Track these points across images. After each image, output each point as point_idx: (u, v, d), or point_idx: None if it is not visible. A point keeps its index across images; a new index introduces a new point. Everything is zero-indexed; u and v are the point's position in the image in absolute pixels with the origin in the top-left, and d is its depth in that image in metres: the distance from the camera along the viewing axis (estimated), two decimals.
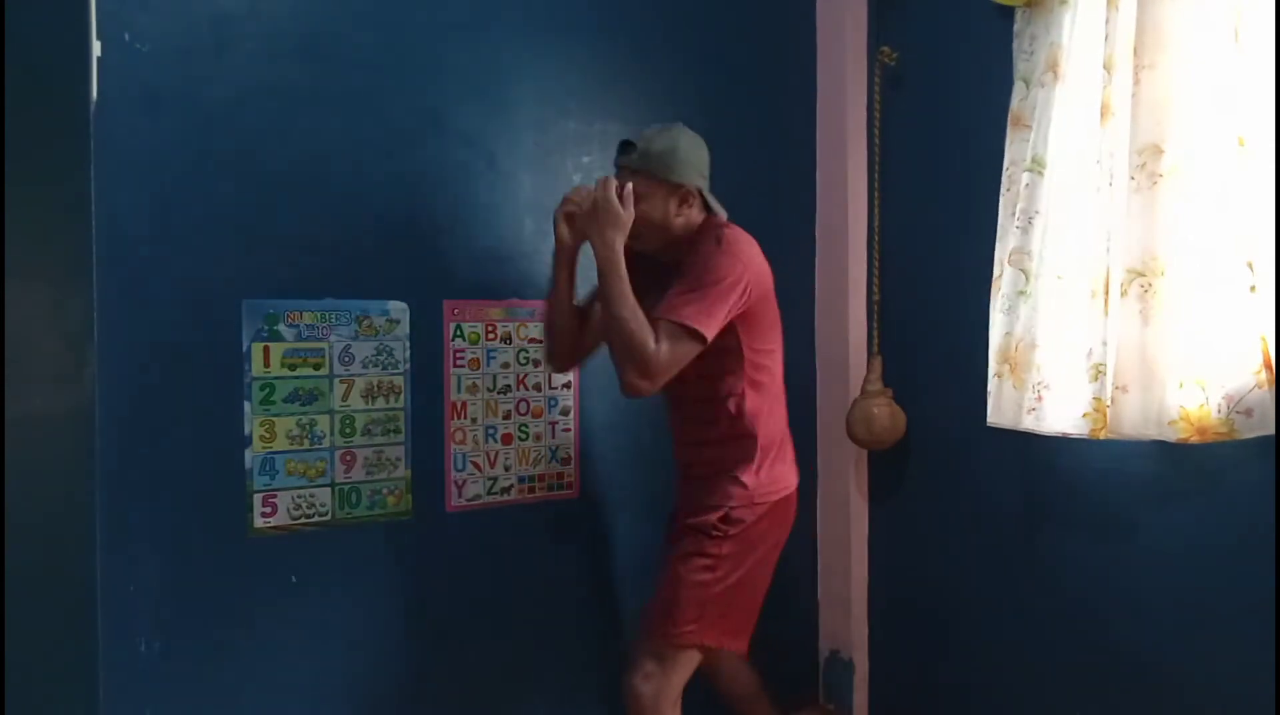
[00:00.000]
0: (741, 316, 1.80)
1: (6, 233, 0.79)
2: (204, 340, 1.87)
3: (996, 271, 2.11)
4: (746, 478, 1.87)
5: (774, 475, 1.91)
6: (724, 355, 1.83)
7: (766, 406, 1.90)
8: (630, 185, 1.77)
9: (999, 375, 2.08)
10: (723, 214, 1.89)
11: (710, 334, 1.73)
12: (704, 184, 1.87)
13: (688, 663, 1.86)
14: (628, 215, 1.75)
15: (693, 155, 1.84)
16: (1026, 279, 2.04)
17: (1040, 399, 1.98)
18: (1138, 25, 1.75)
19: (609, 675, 2.38)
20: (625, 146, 1.85)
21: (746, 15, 2.63)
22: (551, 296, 1.96)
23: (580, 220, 1.80)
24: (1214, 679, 1.83)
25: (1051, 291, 1.98)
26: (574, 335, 1.99)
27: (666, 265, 1.87)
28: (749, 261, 1.80)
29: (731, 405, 1.87)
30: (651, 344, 1.69)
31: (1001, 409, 2.08)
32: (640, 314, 1.72)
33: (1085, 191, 1.94)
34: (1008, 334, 2.07)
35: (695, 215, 1.87)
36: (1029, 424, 2.00)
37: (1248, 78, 1.67)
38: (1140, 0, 1.75)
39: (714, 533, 1.85)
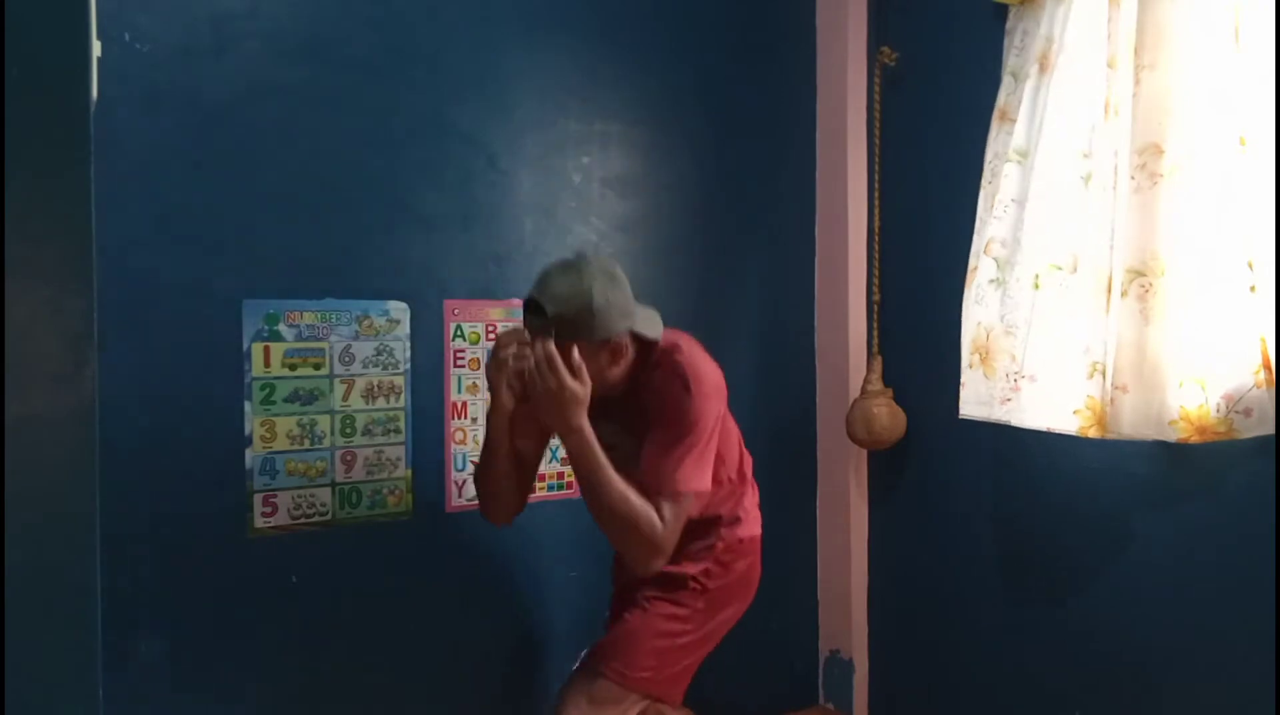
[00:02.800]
0: None
1: (6, 232, 0.79)
2: (204, 340, 1.87)
3: (972, 263, 2.11)
4: (730, 539, 1.80)
5: (747, 518, 1.85)
6: None
7: (735, 471, 1.83)
8: (576, 355, 1.56)
9: (970, 365, 2.08)
10: (655, 332, 1.69)
11: (707, 486, 1.65)
12: (630, 321, 1.65)
13: (625, 706, 1.75)
14: (584, 388, 1.56)
15: (610, 300, 1.59)
16: (998, 267, 2.03)
17: (1017, 389, 1.96)
18: (1138, 25, 1.75)
19: None
20: (533, 309, 1.60)
21: (746, 15, 2.63)
22: (487, 461, 1.75)
23: (536, 401, 1.59)
24: (1214, 678, 1.83)
25: (1038, 282, 1.96)
26: (517, 493, 1.82)
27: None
28: (717, 388, 1.66)
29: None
30: (657, 523, 1.55)
31: (970, 399, 2.08)
32: (630, 493, 1.56)
33: (1074, 185, 1.93)
34: (980, 323, 2.06)
35: (630, 354, 1.67)
36: (1001, 415, 1.98)
37: (1248, 78, 1.67)
38: (1141, 0, 1.75)
39: (691, 586, 1.77)
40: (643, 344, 1.69)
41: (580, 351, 1.58)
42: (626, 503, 1.55)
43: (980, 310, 2.07)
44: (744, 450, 1.89)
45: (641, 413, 1.68)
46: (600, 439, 1.59)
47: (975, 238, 2.12)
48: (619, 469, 1.58)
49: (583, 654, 1.89)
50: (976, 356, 2.06)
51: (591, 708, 1.72)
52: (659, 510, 1.57)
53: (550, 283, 1.59)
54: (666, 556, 1.61)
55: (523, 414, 1.69)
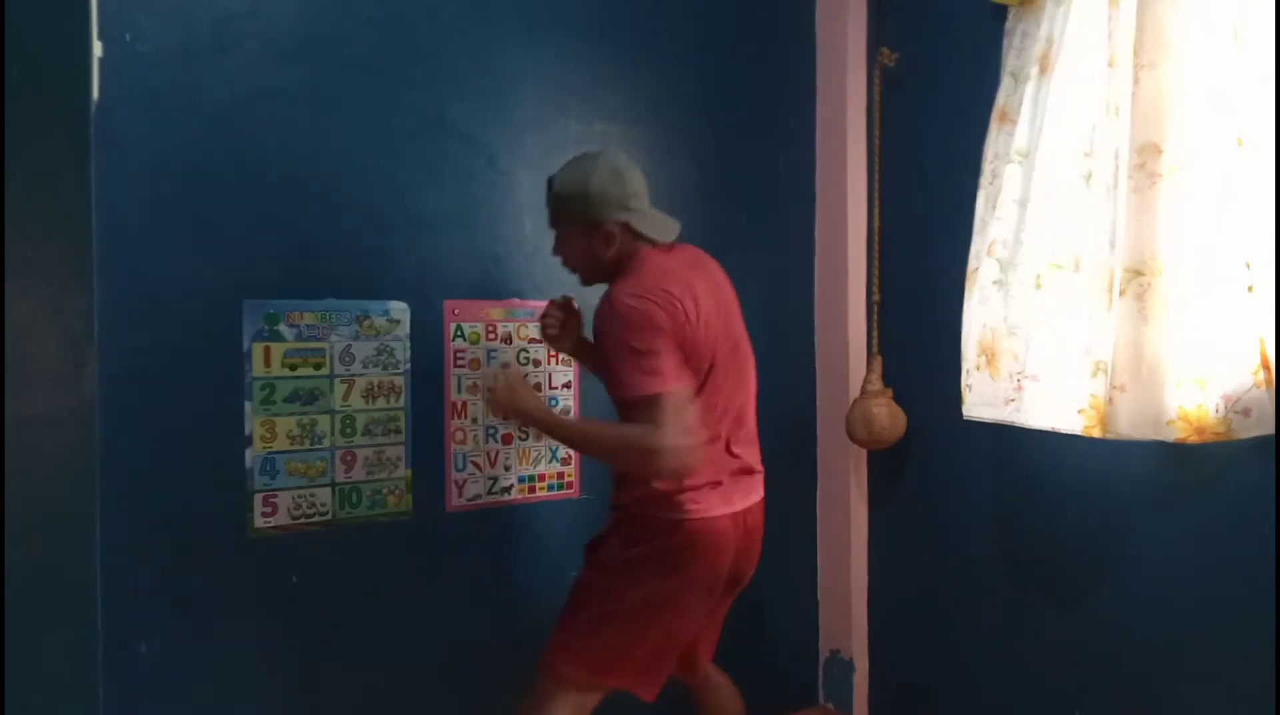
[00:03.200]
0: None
1: (6, 232, 0.80)
2: (204, 340, 1.87)
3: (973, 263, 2.11)
4: (631, 507, 1.76)
5: (673, 502, 1.71)
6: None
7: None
8: (515, 369, 1.90)
9: (977, 367, 2.08)
10: (666, 235, 1.78)
11: (674, 383, 1.60)
12: (629, 214, 1.74)
13: (564, 696, 1.72)
14: (527, 395, 1.75)
15: (608, 190, 1.72)
16: (1002, 269, 2.03)
17: (1020, 389, 1.96)
18: (1138, 24, 1.75)
19: None
20: (548, 185, 1.81)
21: (746, 15, 2.63)
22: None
23: (492, 408, 1.78)
24: (1214, 678, 1.83)
25: (1042, 283, 1.97)
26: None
27: None
28: (634, 296, 1.64)
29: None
30: (646, 435, 1.57)
31: (976, 401, 2.08)
32: (608, 428, 1.71)
33: (1075, 185, 1.93)
34: (984, 324, 2.06)
35: (627, 246, 1.75)
36: (1007, 415, 1.98)
37: (1248, 78, 1.67)
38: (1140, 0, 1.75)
39: (609, 566, 1.78)
40: (638, 252, 1.77)
41: (570, 236, 1.79)
42: (615, 435, 1.66)
43: (984, 311, 2.07)
44: (731, 426, 1.79)
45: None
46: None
47: (976, 238, 2.12)
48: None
49: None
50: (983, 357, 2.06)
51: (530, 702, 1.75)
52: (640, 420, 1.58)
53: (563, 168, 1.80)
54: (676, 453, 1.58)
55: (585, 348, 1.97)
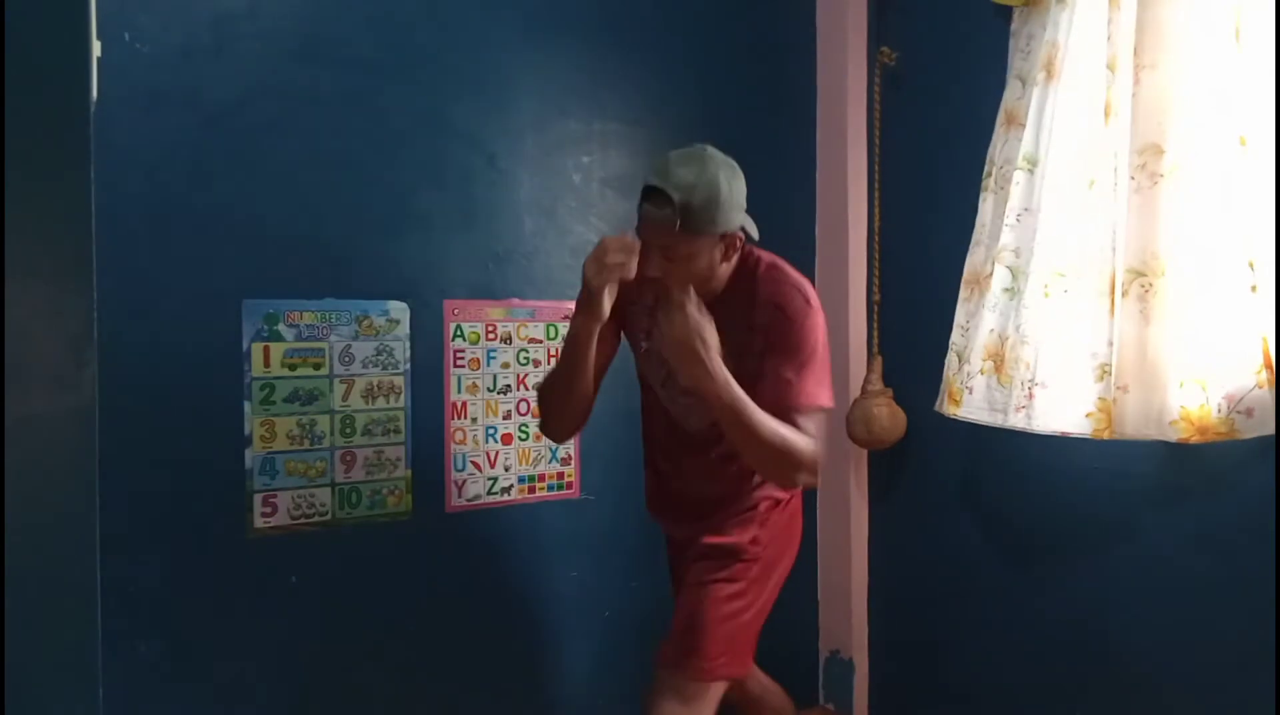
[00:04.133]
0: None
1: (6, 233, 0.79)
2: (204, 340, 1.87)
3: (982, 268, 2.11)
4: (770, 497, 1.78)
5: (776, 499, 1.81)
6: None
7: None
8: (699, 303, 1.53)
9: (983, 371, 2.08)
10: (754, 231, 1.68)
11: (832, 401, 1.63)
12: (744, 217, 1.64)
13: (715, 698, 1.73)
14: (712, 334, 1.51)
15: (735, 192, 1.57)
16: (1013, 277, 2.04)
17: (1031, 396, 1.97)
18: (1138, 25, 1.75)
19: (610, 674, 2.38)
20: (657, 197, 1.52)
21: (747, 15, 2.63)
22: (566, 373, 1.67)
23: (669, 354, 1.55)
24: (1214, 678, 1.83)
25: (1047, 290, 1.98)
26: (587, 407, 1.75)
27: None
28: (820, 305, 1.66)
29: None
30: (805, 443, 1.54)
31: (978, 403, 2.08)
32: (778, 425, 1.52)
33: (1082, 190, 1.94)
34: (993, 331, 2.06)
35: (735, 257, 1.67)
36: (1018, 422, 1.99)
37: (1248, 78, 1.67)
38: (1141, 0, 1.75)
39: (745, 556, 1.74)
40: (746, 253, 1.70)
41: (700, 250, 1.57)
42: (778, 434, 1.53)
43: (994, 317, 2.07)
44: None
45: (746, 325, 1.63)
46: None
47: (983, 243, 2.12)
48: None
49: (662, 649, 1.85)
50: (989, 362, 2.06)
51: (684, 708, 1.70)
52: (800, 429, 1.55)
53: (674, 170, 1.52)
54: (816, 478, 1.60)
55: (605, 327, 1.65)
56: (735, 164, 1.62)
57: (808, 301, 1.63)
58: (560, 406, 1.73)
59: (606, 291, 1.57)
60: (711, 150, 1.60)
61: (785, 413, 1.56)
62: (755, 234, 1.69)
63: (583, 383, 1.67)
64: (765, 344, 1.62)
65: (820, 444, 1.58)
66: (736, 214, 1.60)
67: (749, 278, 1.68)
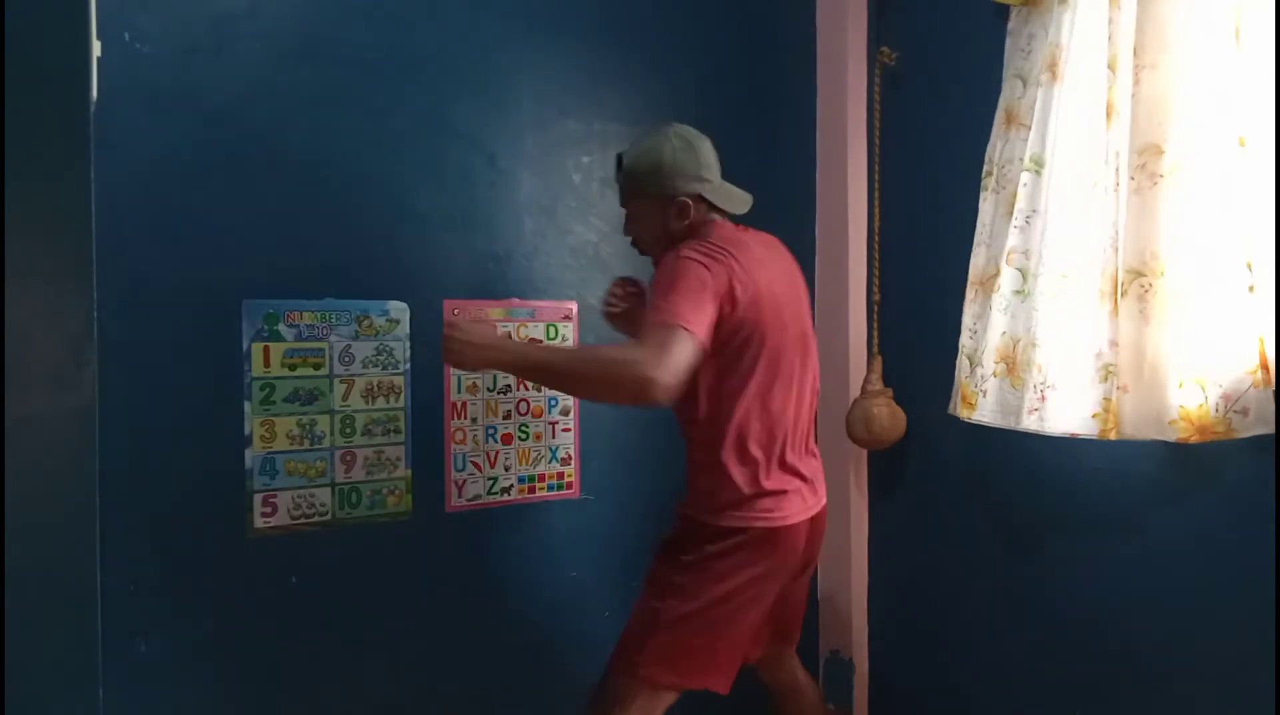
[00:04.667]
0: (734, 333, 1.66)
1: (6, 232, 0.80)
2: (204, 340, 1.87)
3: (986, 269, 2.11)
4: (716, 506, 1.73)
5: (758, 506, 1.72)
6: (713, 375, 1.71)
7: (754, 435, 1.72)
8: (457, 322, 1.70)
9: (996, 374, 2.08)
10: (739, 207, 1.85)
11: (700, 327, 1.56)
12: (703, 185, 1.79)
13: (642, 699, 1.69)
14: (469, 327, 1.66)
15: (680, 162, 1.76)
16: (1024, 279, 2.04)
17: (1044, 399, 1.97)
18: (1138, 25, 1.75)
19: None
20: (617, 162, 1.84)
21: (746, 15, 2.63)
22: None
23: (445, 356, 1.68)
24: (1214, 678, 1.83)
25: (1054, 292, 1.98)
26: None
27: None
28: (705, 253, 1.65)
29: (701, 429, 1.74)
30: (632, 354, 1.51)
31: (992, 407, 2.08)
32: (587, 352, 1.71)
33: (1085, 191, 1.94)
34: (1005, 333, 2.07)
35: (700, 218, 1.79)
36: (1031, 424, 1.99)
37: (1248, 78, 1.67)
38: (1141, 0, 1.75)
39: (683, 559, 1.74)
40: (710, 224, 1.79)
41: (645, 210, 1.80)
42: (582, 354, 1.64)
43: (1005, 319, 2.07)
44: (788, 432, 1.77)
45: None
46: None
47: (983, 247, 2.12)
48: None
49: None
50: (1002, 365, 2.06)
51: (610, 709, 1.69)
52: (642, 342, 1.52)
53: (634, 144, 1.82)
54: (661, 378, 1.48)
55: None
56: (695, 140, 1.81)
57: (679, 251, 1.66)
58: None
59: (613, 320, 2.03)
60: (676, 127, 1.82)
61: (640, 336, 1.57)
62: (729, 207, 1.82)
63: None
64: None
65: (664, 352, 1.49)
66: (681, 181, 1.76)
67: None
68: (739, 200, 1.86)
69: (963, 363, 2.17)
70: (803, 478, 1.81)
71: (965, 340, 2.17)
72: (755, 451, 1.73)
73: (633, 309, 1.98)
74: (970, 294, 2.16)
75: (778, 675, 2.04)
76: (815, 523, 1.83)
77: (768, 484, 1.73)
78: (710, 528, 1.73)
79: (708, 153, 1.82)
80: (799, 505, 1.77)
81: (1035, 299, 2.00)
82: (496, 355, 1.64)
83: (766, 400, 1.73)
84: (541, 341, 2.22)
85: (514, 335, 2.23)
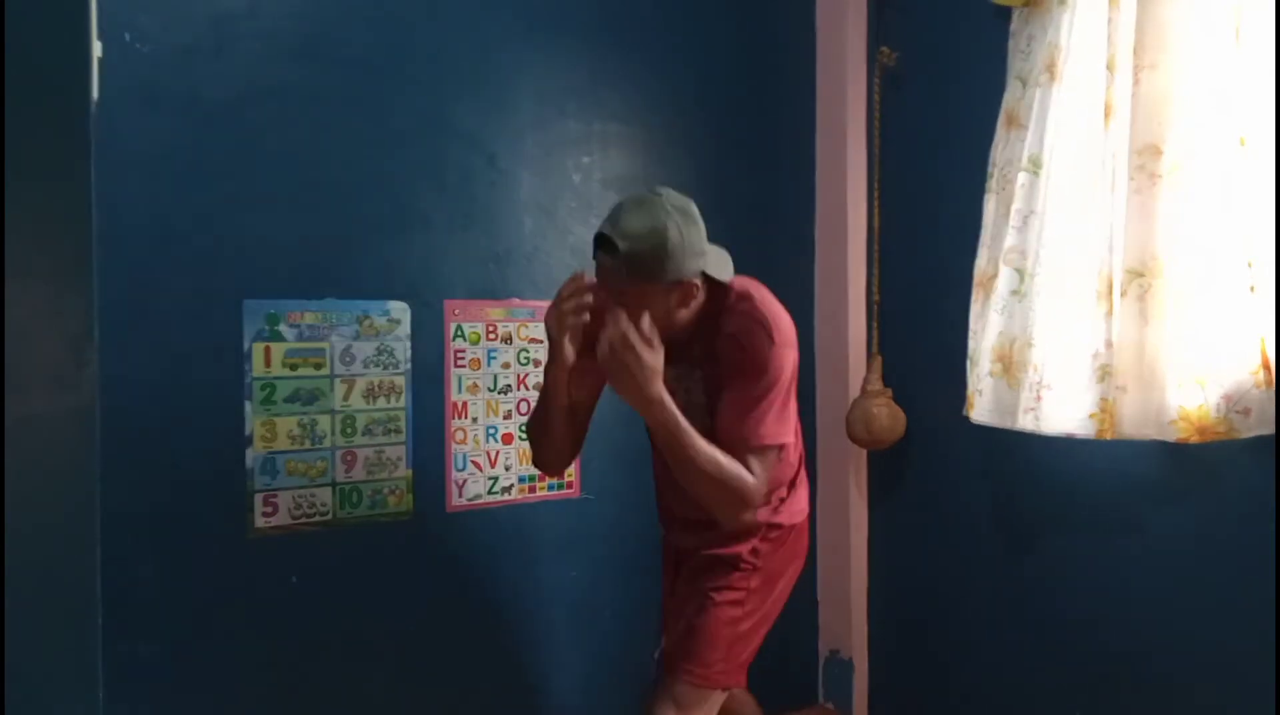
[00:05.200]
0: None
1: (6, 233, 0.80)
2: (204, 340, 1.87)
3: (986, 270, 2.11)
4: (773, 507, 1.76)
5: (793, 502, 1.81)
6: None
7: (793, 439, 1.73)
8: (647, 319, 1.48)
9: (993, 373, 2.08)
10: (727, 274, 1.63)
11: (790, 439, 1.62)
12: (702, 261, 1.57)
13: (713, 705, 1.74)
14: (659, 356, 1.46)
15: (686, 240, 1.52)
16: (1021, 279, 2.04)
17: (1040, 399, 1.98)
18: (1138, 25, 1.75)
19: (610, 674, 2.39)
20: (605, 246, 1.50)
21: (746, 15, 2.63)
22: (542, 414, 1.68)
23: (610, 376, 1.50)
24: (1214, 678, 1.83)
25: (1051, 291, 1.98)
26: (572, 444, 1.75)
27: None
28: (793, 338, 1.61)
29: None
30: (748, 479, 1.51)
31: (989, 407, 2.09)
32: (718, 454, 1.50)
33: (1083, 191, 1.94)
34: (1001, 333, 2.07)
35: (700, 296, 1.61)
36: (1027, 424, 2.00)
37: (1248, 78, 1.67)
38: (1140, 0, 1.75)
39: (743, 566, 1.74)
40: (712, 285, 1.62)
41: (651, 300, 1.53)
42: (716, 464, 1.50)
43: (1002, 320, 2.07)
44: (799, 436, 1.82)
45: (709, 357, 1.62)
46: (665, 382, 1.50)
47: (989, 244, 2.12)
48: (686, 414, 1.52)
49: (655, 656, 1.88)
50: (999, 365, 2.06)
51: (679, 713, 1.70)
52: (747, 465, 1.52)
53: (623, 218, 1.50)
54: (755, 510, 1.62)
55: (579, 366, 1.58)
56: (691, 208, 1.58)
57: (771, 335, 1.56)
58: (546, 445, 1.73)
59: (568, 339, 1.56)
60: (667, 195, 1.55)
61: (738, 447, 1.53)
62: (724, 277, 1.62)
63: (559, 426, 1.67)
64: (727, 377, 1.58)
65: (765, 484, 1.56)
66: (690, 261, 1.54)
67: (718, 312, 1.62)
68: (727, 266, 1.66)
69: (970, 363, 2.17)
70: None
71: (971, 341, 2.17)
72: (798, 449, 1.84)
73: (583, 321, 1.59)
74: (975, 295, 2.16)
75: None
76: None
77: (801, 480, 1.85)
78: (778, 528, 1.77)
79: (700, 219, 1.59)
80: (806, 502, 1.88)
81: (1031, 299, 2.00)
82: (660, 411, 1.48)
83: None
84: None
85: (514, 336, 2.23)
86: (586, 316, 1.55)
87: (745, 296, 1.62)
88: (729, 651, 1.72)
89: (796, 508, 1.82)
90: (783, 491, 1.78)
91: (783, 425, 1.58)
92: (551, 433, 1.69)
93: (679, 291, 1.56)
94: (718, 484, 1.51)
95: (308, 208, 1.97)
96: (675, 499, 1.80)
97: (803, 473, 1.87)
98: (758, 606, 1.75)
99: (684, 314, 1.60)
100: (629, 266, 1.49)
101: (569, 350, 1.56)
